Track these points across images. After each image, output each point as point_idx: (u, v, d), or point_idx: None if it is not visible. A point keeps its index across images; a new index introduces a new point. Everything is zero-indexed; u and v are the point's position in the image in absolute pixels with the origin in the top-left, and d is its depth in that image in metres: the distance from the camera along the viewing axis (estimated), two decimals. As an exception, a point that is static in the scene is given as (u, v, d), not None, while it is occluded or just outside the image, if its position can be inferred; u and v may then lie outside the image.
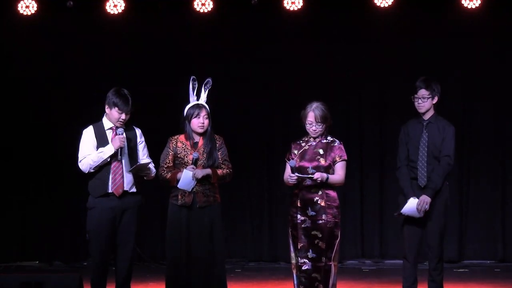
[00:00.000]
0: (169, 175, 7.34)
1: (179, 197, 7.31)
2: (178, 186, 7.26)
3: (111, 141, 7.30)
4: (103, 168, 7.30)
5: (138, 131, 7.50)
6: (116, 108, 7.31)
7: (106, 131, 7.38)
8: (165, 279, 7.37)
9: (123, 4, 10.97)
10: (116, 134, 7.31)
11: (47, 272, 10.29)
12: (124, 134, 7.30)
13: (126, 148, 7.34)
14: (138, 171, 7.32)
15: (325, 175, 7.07)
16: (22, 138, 11.22)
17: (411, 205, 7.47)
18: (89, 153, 7.31)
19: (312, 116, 7.16)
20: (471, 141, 11.09)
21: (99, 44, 11.20)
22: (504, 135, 11.07)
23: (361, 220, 11.22)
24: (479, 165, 11.11)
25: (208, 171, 7.29)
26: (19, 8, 11.00)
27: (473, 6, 10.71)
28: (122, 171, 7.29)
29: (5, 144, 11.20)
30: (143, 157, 7.44)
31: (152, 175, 7.45)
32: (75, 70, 11.13)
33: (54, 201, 11.20)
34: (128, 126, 7.45)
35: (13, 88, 11.20)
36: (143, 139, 7.51)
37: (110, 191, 7.29)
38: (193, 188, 7.27)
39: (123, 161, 7.32)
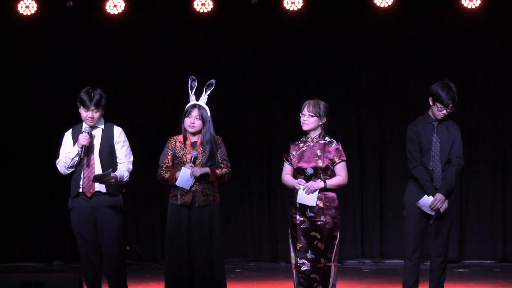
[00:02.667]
0: (168, 174, 7.34)
1: (179, 196, 7.31)
2: (176, 183, 7.25)
3: None
4: (77, 169, 7.27)
5: (117, 130, 7.39)
6: (81, 106, 7.27)
7: (83, 131, 7.34)
8: (165, 278, 7.36)
9: (123, 4, 10.95)
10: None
11: (47, 272, 10.29)
12: (87, 132, 7.19)
13: (96, 147, 7.27)
14: (99, 180, 7.17)
15: (321, 184, 7.06)
16: (22, 139, 11.21)
17: (426, 201, 7.51)
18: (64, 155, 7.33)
19: (305, 108, 7.14)
20: (471, 141, 11.07)
21: (99, 44, 11.19)
22: (504, 135, 11.06)
23: (361, 220, 11.21)
24: (479, 165, 11.09)
25: (207, 169, 7.28)
26: (19, 8, 10.98)
27: (473, 6, 10.71)
28: (94, 171, 7.23)
29: (5, 144, 11.19)
30: (122, 157, 7.34)
31: (125, 179, 7.29)
32: (75, 70, 11.12)
33: (54, 201, 11.18)
34: (107, 125, 7.38)
35: (13, 88, 11.19)
36: (122, 138, 7.38)
37: (81, 191, 7.27)
38: (191, 187, 7.27)
39: (95, 161, 7.26)
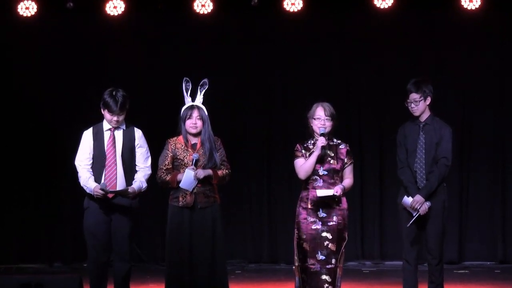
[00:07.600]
0: (168, 177, 7.33)
1: (180, 198, 7.31)
2: (180, 186, 7.26)
3: (93, 190, 7.22)
4: (97, 170, 7.28)
5: (138, 133, 7.43)
6: (107, 110, 7.28)
7: (105, 132, 7.35)
8: (165, 280, 7.36)
9: (123, 5, 10.96)
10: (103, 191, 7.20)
11: (47, 274, 10.29)
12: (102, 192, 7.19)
13: (118, 149, 7.29)
14: (118, 195, 7.25)
15: (342, 186, 7.12)
16: (22, 139, 11.22)
17: (406, 202, 7.49)
18: (86, 157, 7.30)
19: (321, 110, 7.14)
20: (471, 141, 11.09)
21: (99, 45, 11.19)
22: (504, 135, 11.07)
23: (361, 221, 11.21)
24: (479, 166, 11.10)
25: (209, 171, 7.30)
26: (19, 10, 10.99)
27: (473, 7, 10.71)
28: (116, 173, 7.27)
29: (5, 145, 11.19)
30: (140, 161, 7.37)
31: (143, 189, 7.37)
32: (75, 71, 11.12)
33: (54, 202, 11.19)
34: (127, 127, 7.41)
35: (13, 88, 11.19)
36: (142, 141, 7.42)
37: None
38: (194, 189, 7.27)
39: (118, 163, 7.28)
